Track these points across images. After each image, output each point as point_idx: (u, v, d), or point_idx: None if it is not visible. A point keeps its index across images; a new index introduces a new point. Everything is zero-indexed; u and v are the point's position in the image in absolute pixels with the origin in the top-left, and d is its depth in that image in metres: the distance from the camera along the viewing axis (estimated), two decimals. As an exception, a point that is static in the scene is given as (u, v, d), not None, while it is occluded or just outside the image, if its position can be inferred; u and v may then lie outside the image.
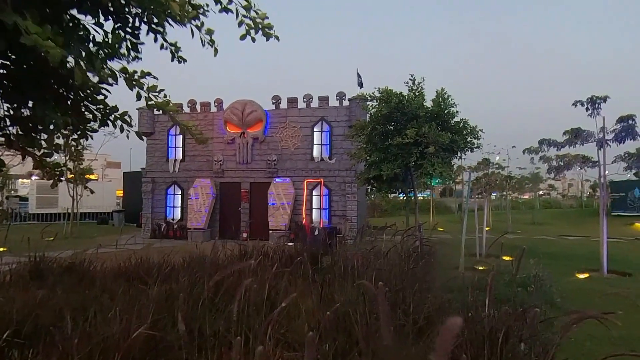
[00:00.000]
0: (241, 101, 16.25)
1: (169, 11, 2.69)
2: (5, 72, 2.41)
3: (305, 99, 15.95)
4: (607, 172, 10.63)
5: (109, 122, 2.84)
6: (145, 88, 2.58)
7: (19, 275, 4.67)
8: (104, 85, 2.71)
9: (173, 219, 17.13)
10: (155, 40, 3.08)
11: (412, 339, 2.65)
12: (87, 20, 2.46)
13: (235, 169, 16.43)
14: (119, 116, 2.62)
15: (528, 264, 6.78)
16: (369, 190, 13.79)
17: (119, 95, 3.08)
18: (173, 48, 3.21)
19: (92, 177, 20.15)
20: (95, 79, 2.34)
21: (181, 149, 17.26)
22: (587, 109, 10.09)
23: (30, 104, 2.47)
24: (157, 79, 2.67)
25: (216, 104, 16.98)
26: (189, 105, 17.22)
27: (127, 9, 2.77)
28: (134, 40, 3.00)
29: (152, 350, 2.46)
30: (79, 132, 2.97)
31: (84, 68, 2.13)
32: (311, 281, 4.29)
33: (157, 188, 17.37)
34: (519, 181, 27.82)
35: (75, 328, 2.43)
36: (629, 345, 4.30)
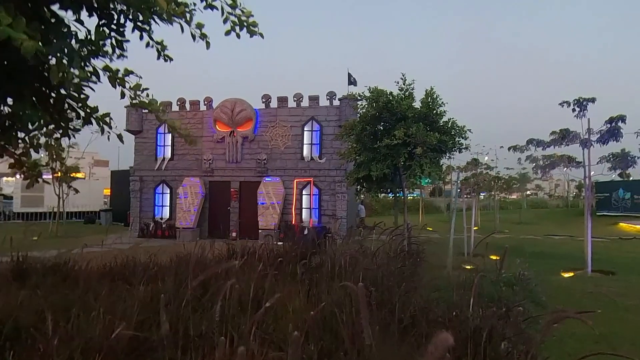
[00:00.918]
0: (231, 100, 16.16)
1: (155, 8, 2.66)
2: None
3: (295, 98, 15.92)
4: (592, 172, 10.83)
5: (92, 120, 2.80)
6: (128, 87, 2.55)
7: (0, 275, 4.58)
8: (88, 84, 2.67)
9: (162, 218, 16.97)
10: (141, 38, 3.04)
11: (397, 338, 2.66)
12: (69, 16, 2.41)
13: (225, 168, 16.33)
14: (100, 117, 2.58)
15: (514, 263, 6.87)
16: (358, 190, 13.82)
17: (108, 94, 3.04)
18: (159, 47, 3.18)
19: (78, 175, 19.85)
20: (76, 77, 2.29)
21: (170, 147, 17.10)
22: (573, 110, 10.25)
23: (10, 101, 2.41)
24: (141, 77, 2.64)
25: (206, 102, 16.85)
26: (178, 103, 17.06)
27: (111, 5, 2.73)
28: (119, 38, 2.96)
29: (135, 350, 2.43)
30: (60, 131, 2.93)
31: (66, 65, 2.09)
32: (299, 281, 4.29)
33: (145, 187, 17.18)
34: (506, 181, 28.17)
35: (57, 329, 2.39)
36: (611, 343, 4.38)
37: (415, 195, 38.59)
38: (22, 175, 2.42)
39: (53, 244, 12.24)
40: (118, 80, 2.56)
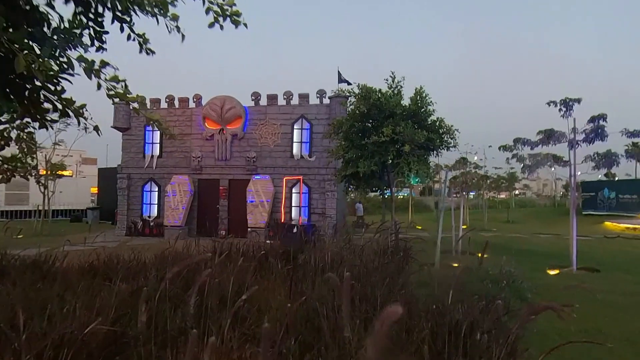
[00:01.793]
0: (220, 97, 16.05)
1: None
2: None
3: (285, 96, 15.88)
4: (579, 172, 10.96)
5: (68, 112, 2.73)
6: (104, 78, 2.49)
7: (-23, 272, 4.46)
8: (64, 75, 2.61)
9: (149, 216, 16.79)
10: (122, 30, 2.98)
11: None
12: (42, 1, 2.34)
13: (214, 166, 16.22)
14: (76, 109, 2.51)
15: (501, 260, 6.91)
16: (346, 187, 13.83)
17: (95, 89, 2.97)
18: (141, 39, 3.13)
19: (65, 173, 19.54)
20: (45, 68, 2.23)
21: (158, 144, 16.92)
22: (560, 110, 10.36)
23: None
24: (118, 69, 2.59)
25: (195, 99, 16.71)
26: (167, 100, 16.89)
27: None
28: (98, 29, 2.90)
29: (111, 346, 2.39)
30: (37, 124, 2.86)
31: (35, 54, 2.03)
32: (284, 277, 4.26)
33: (133, 185, 16.99)
34: (495, 180, 28.44)
35: (30, 326, 2.33)
36: (595, 338, 4.43)
37: (405, 194, 38.77)
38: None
39: (36, 242, 12.01)
40: (94, 72, 2.50)
